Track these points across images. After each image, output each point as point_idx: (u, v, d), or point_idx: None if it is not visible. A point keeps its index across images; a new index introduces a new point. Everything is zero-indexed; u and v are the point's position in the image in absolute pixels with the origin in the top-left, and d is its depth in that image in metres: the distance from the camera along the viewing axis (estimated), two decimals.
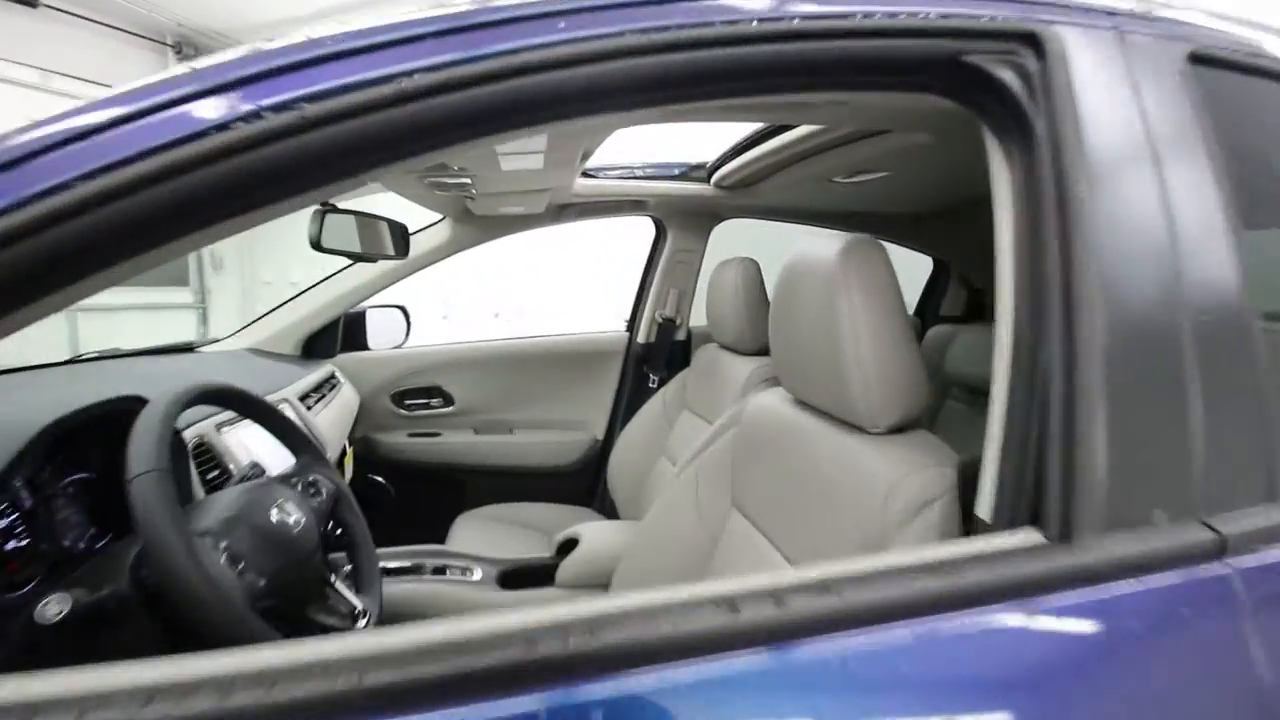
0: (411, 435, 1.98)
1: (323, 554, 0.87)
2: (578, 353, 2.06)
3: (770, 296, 0.93)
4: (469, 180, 1.17)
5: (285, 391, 1.39)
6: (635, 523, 1.44)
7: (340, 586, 0.88)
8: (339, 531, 1.03)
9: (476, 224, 1.81)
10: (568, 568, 1.25)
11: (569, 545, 1.36)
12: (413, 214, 1.65)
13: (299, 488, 0.91)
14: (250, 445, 1.12)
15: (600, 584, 1.24)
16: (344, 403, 1.71)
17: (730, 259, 1.55)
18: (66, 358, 1.44)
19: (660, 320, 2.01)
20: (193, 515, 0.73)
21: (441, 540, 1.65)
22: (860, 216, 1.90)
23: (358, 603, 0.86)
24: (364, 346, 1.98)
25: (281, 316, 1.79)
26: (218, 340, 1.77)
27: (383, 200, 1.30)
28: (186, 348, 1.72)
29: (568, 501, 1.97)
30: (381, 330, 2.06)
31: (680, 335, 2.06)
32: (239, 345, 1.75)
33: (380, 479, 1.97)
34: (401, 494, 2.00)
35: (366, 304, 2.01)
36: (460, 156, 1.03)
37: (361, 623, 0.84)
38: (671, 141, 1.63)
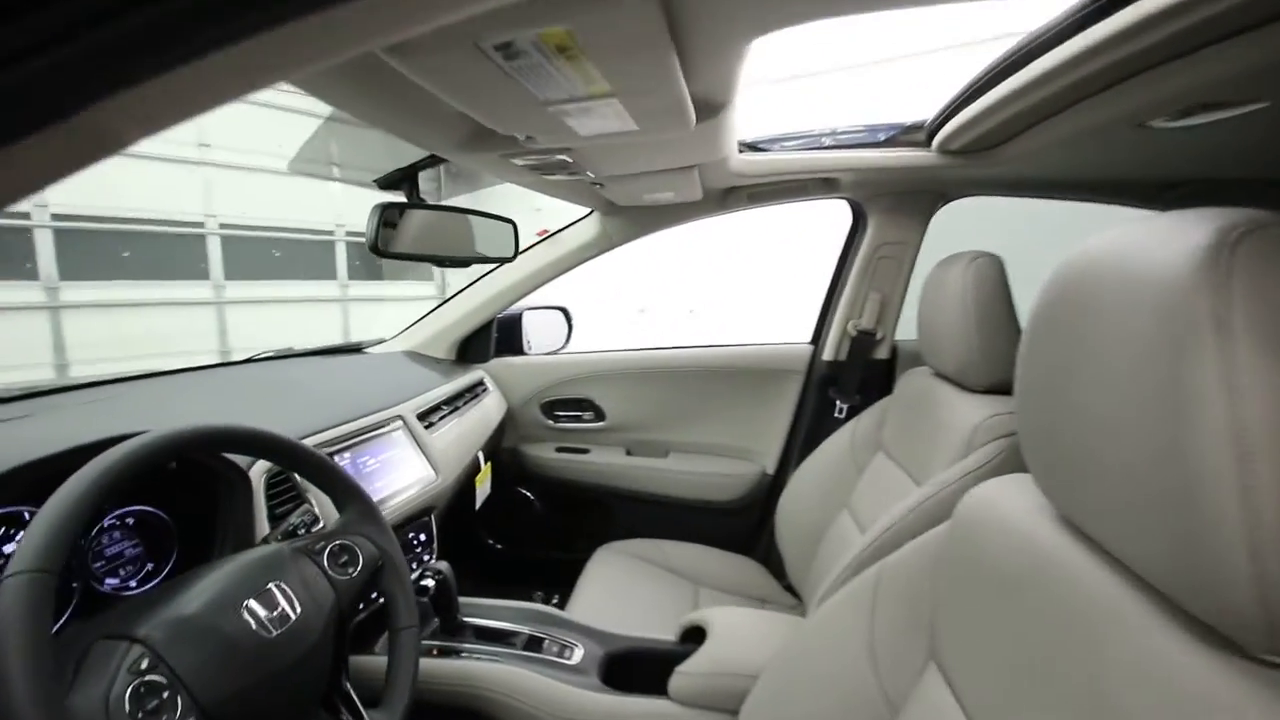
0: (560, 450, 1.82)
1: (333, 656, 0.67)
2: (749, 368, 1.71)
3: (1023, 315, 0.52)
4: (568, 158, 0.90)
5: (407, 406, 1.28)
6: (785, 619, 1.07)
7: (355, 704, 0.68)
8: (381, 601, 0.85)
9: (625, 217, 1.55)
10: (688, 678, 0.94)
11: (697, 633, 1.04)
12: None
13: (325, 555, 0.73)
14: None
15: (726, 708, 0.90)
16: (484, 413, 1.59)
17: (957, 254, 1.08)
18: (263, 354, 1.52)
19: (855, 333, 1.57)
20: (140, 611, 0.57)
21: (579, 565, 1.45)
22: (1201, 185, 1.25)
23: None
24: (519, 350, 1.87)
25: (439, 318, 1.74)
26: (384, 341, 1.77)
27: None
28: (355, 349, 1.74)
29: (726, 545, 1.64)
30: (539, 333, 1.92)
31: (881, 353, 1.59)
32: (398, 348, 1.73)
33: (527, 493, 1.85)
34: (547, 511, 1.85)
35: (524, 305, 1.89)
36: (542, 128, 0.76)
37: None
38: (871, 92, 1.18)
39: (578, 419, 1.80)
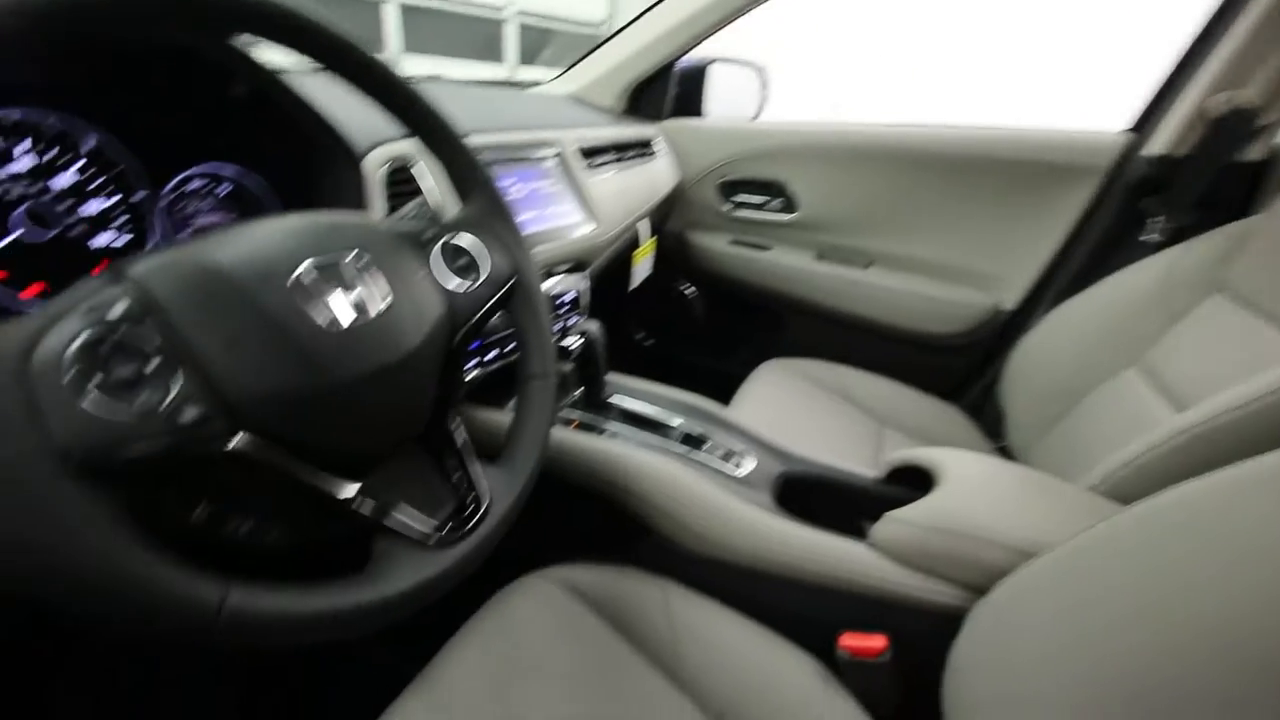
0: (735, 243, 1.50)
1: (438, 384, 0.46)
2: (1017, 160, 1.22)
3: None
4: None
5: (567, 134, 1.01)
6: (1062, 487, 0.74)
7: (459, 453, 0.48)
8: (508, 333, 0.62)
9: None
10: (905, 527, 0.67)
11: (914, 476, 0.76)
12: None
13: (438, 250, 0.50)
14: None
15: (956, 578, 0.63)
16: (652, 175, 1.29)
17: None
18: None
19: (1222, 112, 1.01)
20: (152, 256, 0.36)
21: (738, 381, 1.21)
22: None
23: (483, 489, 0.45)
24: (699, 112, 1.50)
25: (602, 58, 1.39)
26: (541, 84, 1.48)
27: None
28: (517, 85, 1.47)
29: (926, 386, 1.30)
30: (726, 94, 1.53)
31: (1253, 153, 1.03)
32: (560, 91, 1.43)
33: (691, 286, 1.59)
34: (710, 311, 1.59)
35: (711, 56, 1.48)
36: None
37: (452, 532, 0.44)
38: None
39: (762, 207, 1.45)
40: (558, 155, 0.96)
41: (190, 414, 0.31)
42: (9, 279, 0.49)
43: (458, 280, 0.50)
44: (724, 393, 1.20)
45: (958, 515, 0.65)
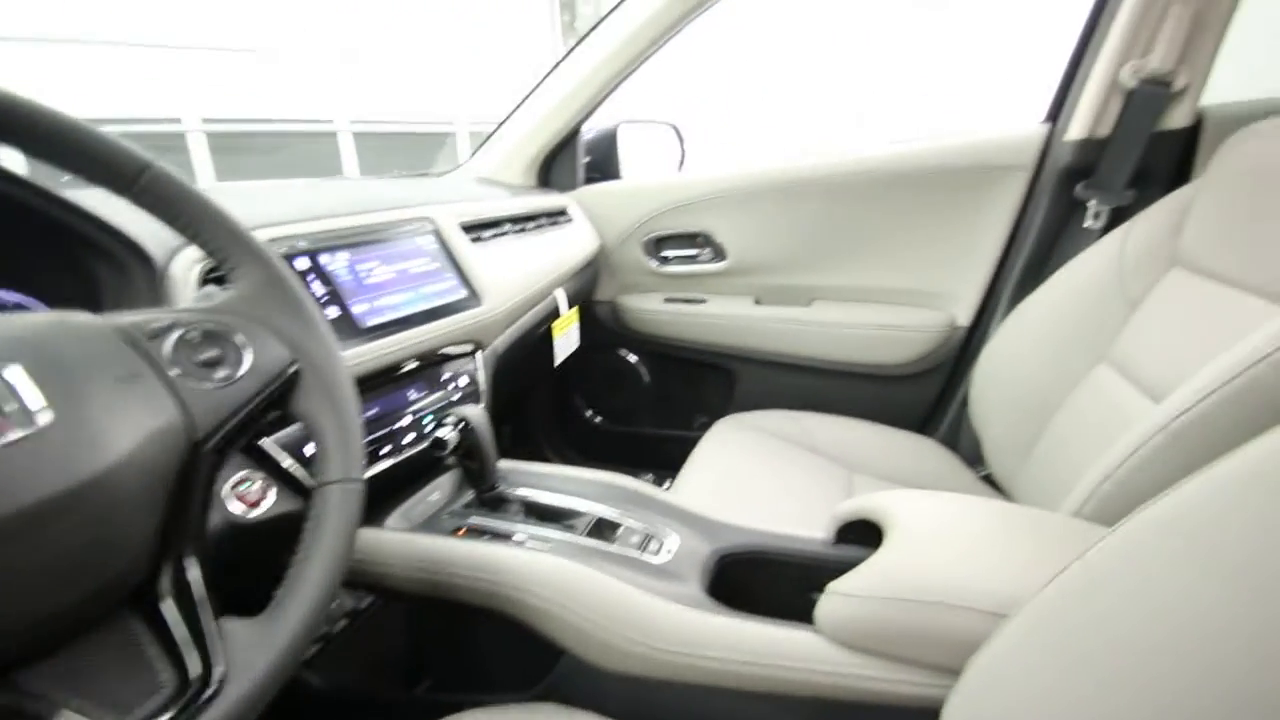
0: (669, 301, 1.41)
1: (162, 520, 0.35)
2: (937, 171, 1.16)
3: None
4: None
5: (444, 209, 0.93)
6: (1031, 515, 0.61)
7: (196, 606, 0.36)
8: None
9: None
10: (850, 602, 0.53)
11: (859, 532, 0.63)
12: None
13: (170, 344, 0.40)
14: None
15: (920, 660, 0.50)
16: (563, 243, 1.22)
17: None
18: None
19: (1134, 84, 0.96)
20: None
21: (689, 443, 1.08)
22: None
23: (218, 657, 0.33)
24: (616, 175, 1.45)
25: (505, 137, 1.36)
26: (460, 167, 1.44)
27: None
28: (418, 175, 1.43)
29: (894, 422, 1.18)
30: (641, 154, 1.49)
31: (1177, 120, 0.97)
32: (467, 176, 1.39)
33: (631, 355, 1.49)
34: (655, 377, 1.49)
35: (620, 121, 1.46)
36: None
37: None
38: None
39: (691, 259, 1.38)
40: (433, 232, 0.88)
41: None
42: None
43: (202, 376, 0.39)
44: (683, 462, 1.08)
45: (911, 577, 0.52)
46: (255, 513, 0.57)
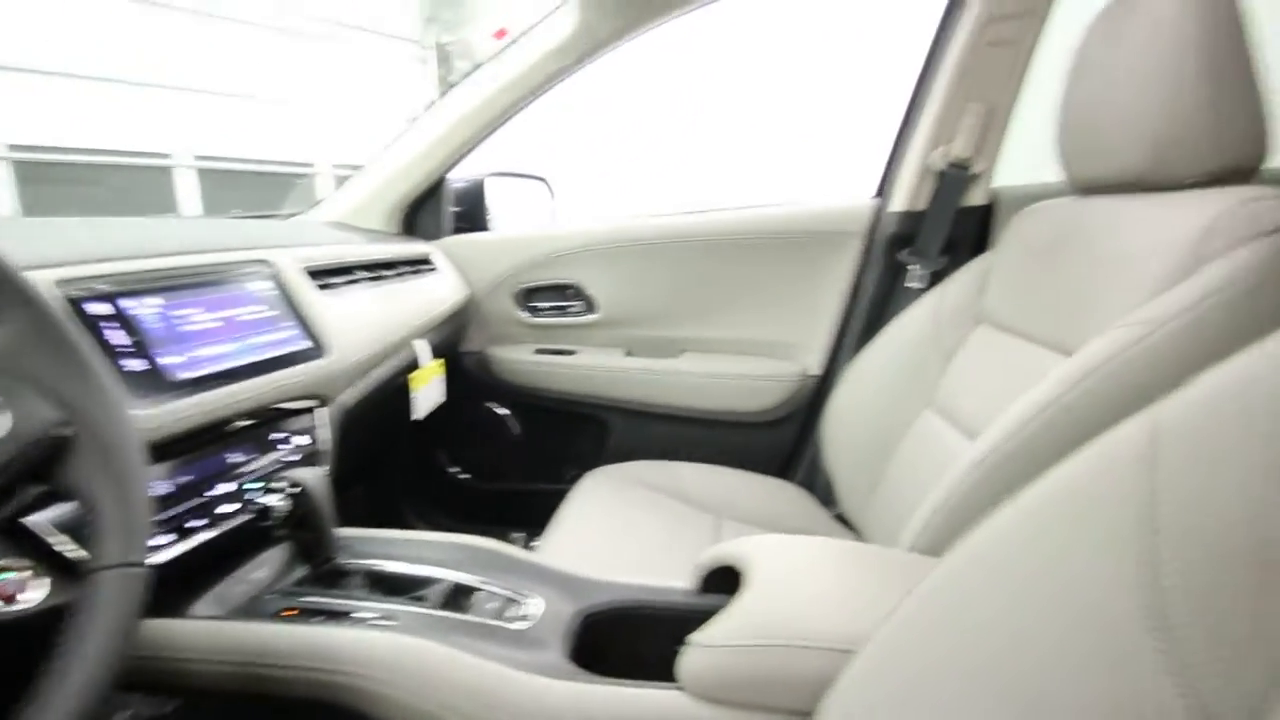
0: (540, 352, 1.40)
1: None
2: (787, 234, 1.26)
3: None
4: None
5: (286, 252, 0.86)
6: (876, 553, 0.65)
7: None
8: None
9: None
10: (710, 654, 0.53)
11: (723, 579, 0.63)
12: None
13: None
14: None
15: (781, 707, 0.50)
16: (425, 292, 1.17)
17: None
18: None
19: (942, 166, 1.11)
20: None
21: (560, 497, 1.05)
22: None
23: None
24: (484, 227, 1.44)
25: (364, 183, 1.30)
26: (311, 209, 1.35)
27: None
28: (265, 217, 1.32)
29: (757, 468, 1.23)
30: (509, 206, 1.49)
31: (975, 198, 1.13)
32: (318, 218, 1.31)
33: (499, 408, 1.44)
34: (525, 430, 1.45)
35: (488, 173, 1.45)
36: None
37: None
38: None
39: (561, 311, 1.38)
40: (272, 277, 0.81)
41: None
42: None
43: None
44: (551, 516, 1.04)
45: (764, 622, 0.52)
46: (13, 608, 0.47)
